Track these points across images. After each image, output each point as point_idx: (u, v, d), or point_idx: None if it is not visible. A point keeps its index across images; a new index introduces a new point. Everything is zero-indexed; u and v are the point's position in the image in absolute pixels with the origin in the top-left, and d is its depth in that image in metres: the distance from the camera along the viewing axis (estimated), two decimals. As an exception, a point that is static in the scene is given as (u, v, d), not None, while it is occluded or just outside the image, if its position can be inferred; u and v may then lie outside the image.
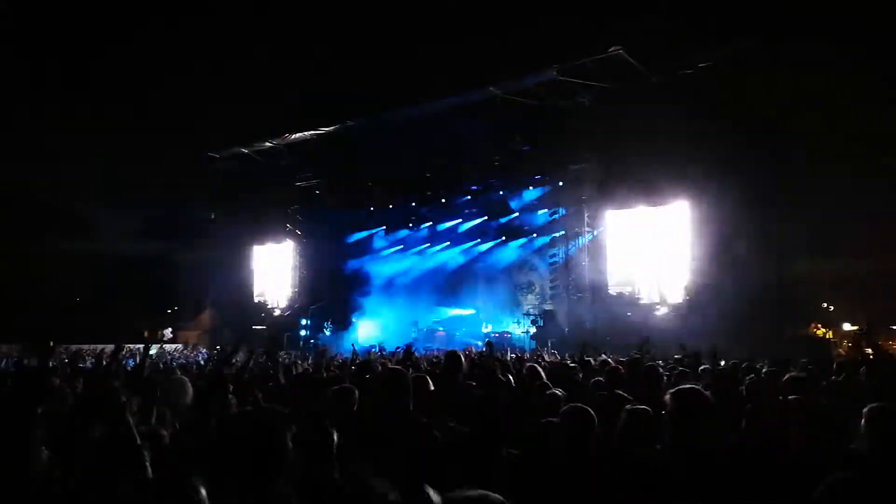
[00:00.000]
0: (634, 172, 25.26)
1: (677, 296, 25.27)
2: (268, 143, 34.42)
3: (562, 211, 29.55)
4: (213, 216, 39.88)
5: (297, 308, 36.24)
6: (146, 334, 40.82)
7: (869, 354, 8.12)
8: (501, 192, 32.74)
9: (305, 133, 32.92)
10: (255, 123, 33.07)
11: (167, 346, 30.84)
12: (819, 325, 25.93)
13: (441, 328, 33.07)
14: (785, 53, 22.13)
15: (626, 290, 26.95)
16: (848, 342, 27.01)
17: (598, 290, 27.91)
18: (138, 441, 3.41)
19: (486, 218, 34.18)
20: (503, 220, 33.72)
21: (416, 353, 12.51)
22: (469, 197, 33.94)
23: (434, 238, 36.31)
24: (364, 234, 37.84)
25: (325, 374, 9.27)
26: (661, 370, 7.75)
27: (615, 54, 23.54)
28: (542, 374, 7.56)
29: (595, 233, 28.23)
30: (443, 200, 34.33)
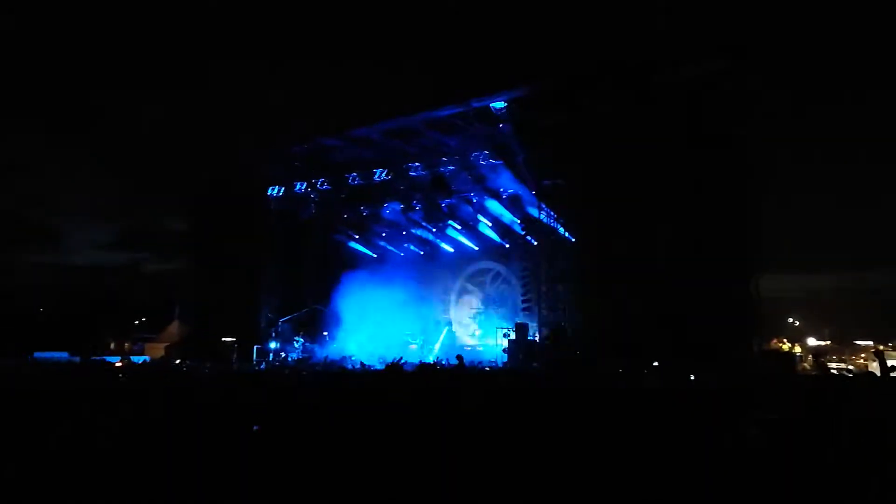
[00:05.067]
0: (607, 188, 25.47)
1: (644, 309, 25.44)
2: (244, 155, 34.21)
3: (535, 221, 29.71)
4: (184, 228, 39.41)
5: (269, 321, 35.87)
6: (112, 346, 40.24)
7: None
8: (475, 205, 32.90)
9: (281, 145, 32.82)
10: (231, 136, 32.93)
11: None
12: (784, 340, 26.39)
13: (413, 342, 32.96)
14: (755, 73, 22.63)
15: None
16: (813, 356, 27.57)
17: (568, 302, 28.01)
18: None
19: (459, 229, 34.30)
20: (476, 232, 33.89)
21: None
22: (445, 208, 34.07)
23: (408, 249, 36.32)
24: (341, 246, 37.72)
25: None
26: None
27: (589, 72, 23.90)
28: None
29: (569, 245, 28.34)
30: (416, 208, 34.42)
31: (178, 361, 29.26)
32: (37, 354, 29.68)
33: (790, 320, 33.95)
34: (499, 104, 26.70)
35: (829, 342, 31.05)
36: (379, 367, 24.94)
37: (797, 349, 25.98)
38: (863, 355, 28.90)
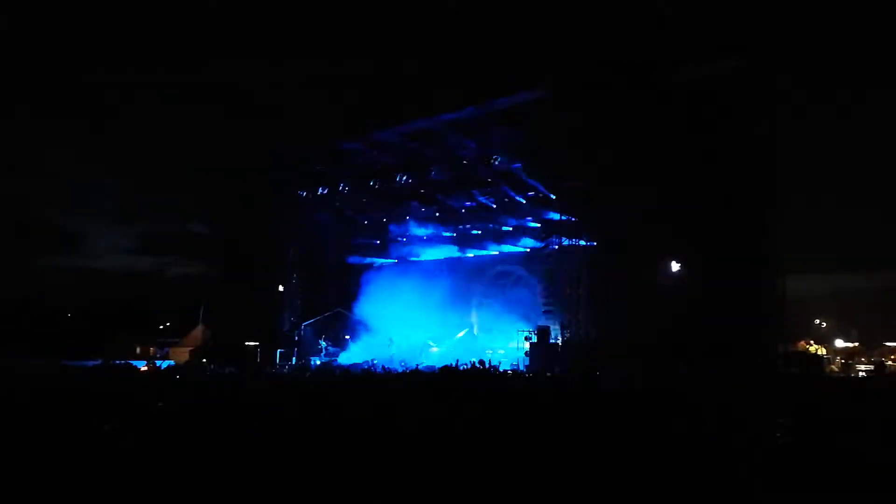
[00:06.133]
0: (627, 189, 25.28)
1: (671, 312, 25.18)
2: (265, 159, 34.55)
3: (556, 224, 29.57)
4: (207, 232, 39.80)
5: (291, 324, 36.09)
6: (138, 350, 40.80)
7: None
8: (495, 208, 32.90)
9: (303, 149, 33.11)
10: (252, 139, 33.28)
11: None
12: (811, 342, 25.97)
13: (434, 345, 32.97)
14: (775, 72, 22.37)
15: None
16: (840, 358, 27.11)
17: (592, 306, 27.78)
18: None
19: (479, 232, 34.32)
20: (496, 235, 33.91)
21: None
22: (464, 211, 34.13)
23: (429, 253, 36.40)
24: (362, 250, 37.89)
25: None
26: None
27: (606, 73, 23.79)
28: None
29: (590, 246, 28.13)
30: (437, 214, 34.52)
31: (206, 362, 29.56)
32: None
33: (817, 322, 33.39)
34: (517, 105, 26.63)
35: (857, 344, 30.48)
36: (400, 370, 25.02)
37: (821, 351, 25.54)
38: (892, 357, 28.35)
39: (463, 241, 35.37)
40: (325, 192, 35.72)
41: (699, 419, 8.50)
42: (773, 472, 5.85)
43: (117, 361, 23.68)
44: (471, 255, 35.63)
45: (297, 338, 35.05)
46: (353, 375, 22.45)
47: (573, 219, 27.74)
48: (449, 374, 12.36)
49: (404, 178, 32.68)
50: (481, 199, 32.78)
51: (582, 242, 27.40)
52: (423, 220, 35.25)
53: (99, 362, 28.20)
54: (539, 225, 31.11)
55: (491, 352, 30.86)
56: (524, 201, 31.26)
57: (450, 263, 36.20)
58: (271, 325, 36.10)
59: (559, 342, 27.29)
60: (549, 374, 23.43)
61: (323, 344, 34.46)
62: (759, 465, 6.02)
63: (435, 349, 32.51)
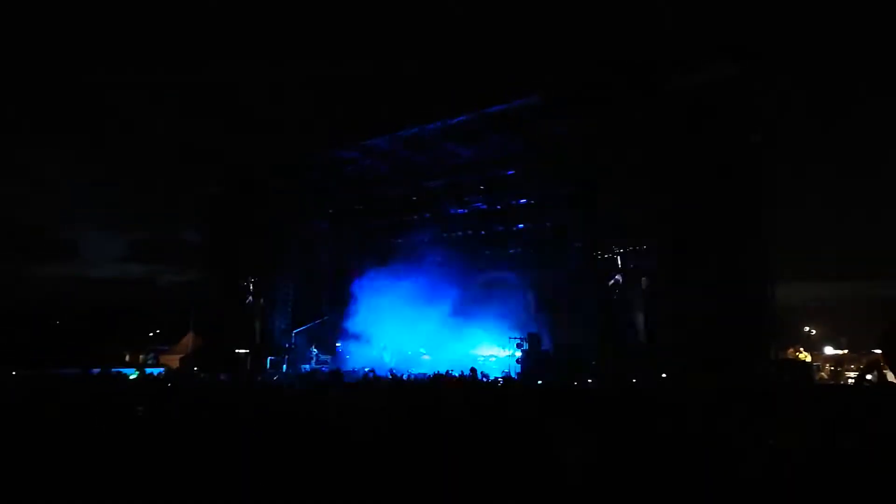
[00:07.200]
0: (621, 195, 25.39)
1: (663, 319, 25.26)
2: (260, 165, 34.53)
3: (549, 230, 29.73)
4: (198, 240, 39.70)
5: (282, 332, 35.96)
6: (128, 358, 40.50)
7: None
8: (488, 214, 33.01)
9: (298, 156, 33.12)
10: (246, 148, 33.26)
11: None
12: (800, 349, 26.09)
13: (426, 353, 32.94)
14: (764, 80, 22.55)
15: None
16: (830, 366, 27.26)
17: (583, 312, 27.87)
18: None
19: (470, 236, 34.42)
20: (488, 242, 33.99)
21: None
22: (457, 218, 34.22)
23: (420, 260, 36.36)
24: (355, 257, 37.87)
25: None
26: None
27: (599, 78, 23.96)
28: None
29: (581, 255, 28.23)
30: (428, 218, 34.62)
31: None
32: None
33: (806, 329, 33.61)
34: (512, 111, 26.73)
35: (846, 351, 30.66)
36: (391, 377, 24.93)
37: (808, 358, 25.65)
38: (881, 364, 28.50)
39: (456, 248, 35.41)
40: (319, 199, 35.73)
41: (695, 423, 8.52)
42: (770, 476, 5.87)
43: (102, 369, 23.39)
44: (463, 258, 35.66)
45: (287, 345, 34.92)
46: (344, 381, 22.33)
47: (565, 224, 27.87)
48: (440, 383, 12.37)
49: (398, 185, 32.78)
50: (475, 205, 32.88)
51: (574, 247, 27.50)
52: (416, 227, 35.29)
53: (77, 371, 27.92)
54: (531, 230, 31.23)
55: (482, 359, 30.90)
56: (518, 207, 31.38)
57: (444, 270, 36.18)
58: (262, 333, 35.98)
59: (551, 349, 27.37)
60: (540, 381, 23.44)
61: (314, 352, 34.37)
62: (756, 469, 6.05)
63: (427, 357, 32.48)
